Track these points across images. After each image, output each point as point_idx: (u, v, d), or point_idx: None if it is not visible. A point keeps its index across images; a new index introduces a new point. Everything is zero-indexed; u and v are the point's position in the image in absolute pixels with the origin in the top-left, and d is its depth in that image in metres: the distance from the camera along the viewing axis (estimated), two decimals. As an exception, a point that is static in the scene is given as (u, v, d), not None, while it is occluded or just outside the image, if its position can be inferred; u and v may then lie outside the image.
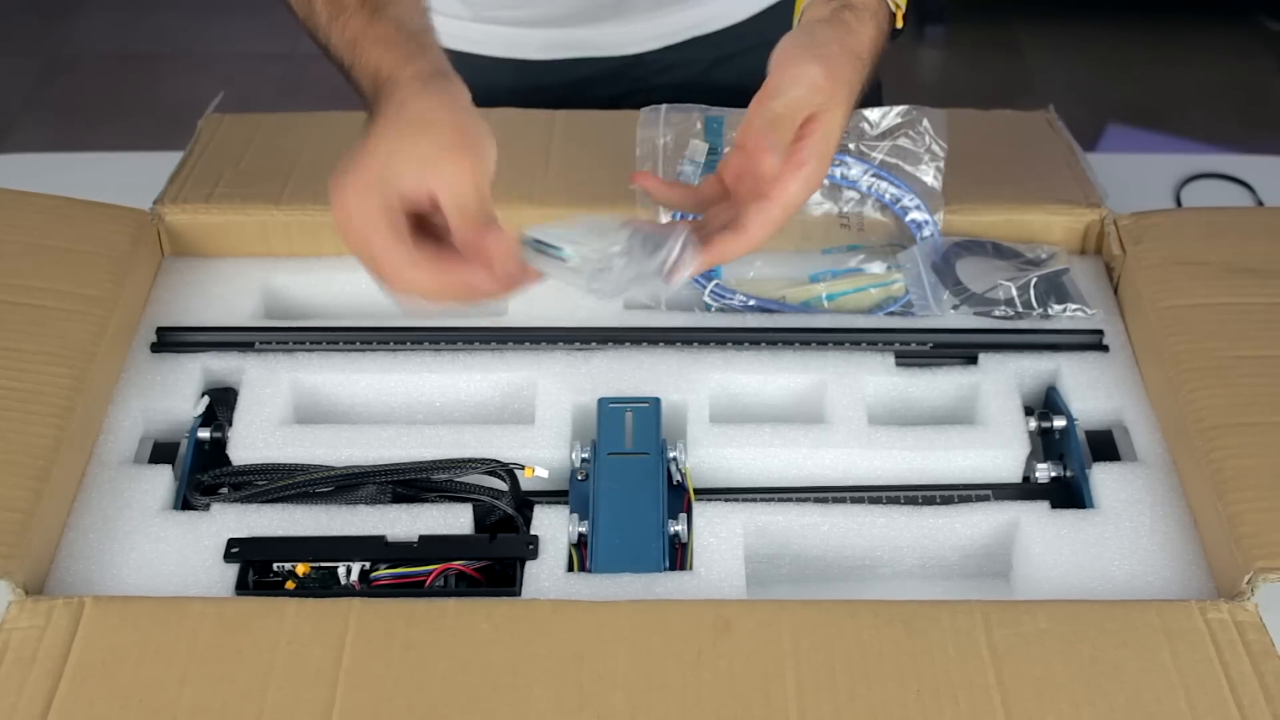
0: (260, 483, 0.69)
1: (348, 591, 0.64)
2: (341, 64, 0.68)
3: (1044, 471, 0.72)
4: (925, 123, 0.81)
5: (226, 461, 0.71)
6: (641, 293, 0.75)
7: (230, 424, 0.72)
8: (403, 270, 0.60)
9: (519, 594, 0.63)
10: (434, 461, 0.69)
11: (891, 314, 0.79)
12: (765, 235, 0.64)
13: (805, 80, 0.63)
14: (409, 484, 0.69)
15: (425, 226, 0.62)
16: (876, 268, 0.80)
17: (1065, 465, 0.72)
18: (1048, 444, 0.74)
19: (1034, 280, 0.78)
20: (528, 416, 0.73)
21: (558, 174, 0.83)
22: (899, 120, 0.81)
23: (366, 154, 0.60)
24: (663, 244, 0.61)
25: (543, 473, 0.69)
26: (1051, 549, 0.66)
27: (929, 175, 0.81)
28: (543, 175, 0.83)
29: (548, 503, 0.68)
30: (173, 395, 0.74)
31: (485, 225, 0.60)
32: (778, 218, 0.64)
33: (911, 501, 0.69)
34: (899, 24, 0.70)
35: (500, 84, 0.96)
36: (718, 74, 1.01)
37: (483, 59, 0.99)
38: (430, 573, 0.64)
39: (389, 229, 0.60)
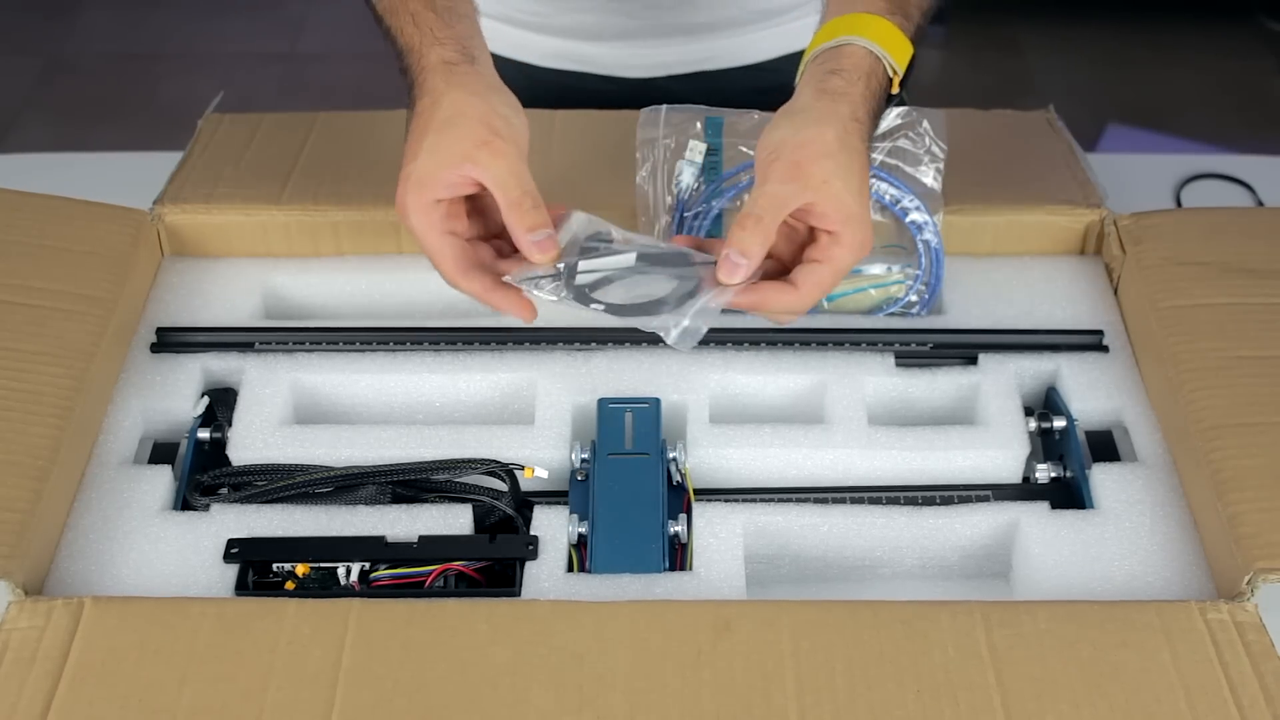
0: (260, 483, 0.69)
1: (347, 592, 0.64)
2: (380, 26, 0.73)
3: (1044, 472, 0.72)
4: (925, 124, 0.81)
5: (226, 462, 0.71)
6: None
7: (230, 424, 0.72)
8: (453, 279, 0.67)
9: (519, 594, 0.63)
10: (434, 462, 0.69)
11: (891, 314, 0.79)
12: (816, 296, 0.66)
13: (777, 180, 0.65)
14: (409, 484, 0.69)
15: (481, 205, 0.69)
16: (876, 268, 0.80)
17: (1065, 466, 0.72)
18: (1048, 444, 0.74)
19: None
20: (527, 417, 0.73)
21: (558, 174, 0.83)
22: (899, 121, 0.81)
23: (410, 155, 0.66)
24: (688, 279, 0.65)
25: (542, 473, 0.69)
26: (1051, 549, 0.66)
27: (929, 176, 0.81)
28: (543, 175, 0.83)
29: (547, 503, 0.68)
30: (173, 395, 0.74)
31: (527, 217, 0.65)
32: (826, 281, 0.66)
33: (911, 502, 0.69)
34: (894, 89, 0.70)
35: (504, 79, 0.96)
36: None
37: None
38: (430, 573, 0.64)
39: (440, 229, 0.66)
